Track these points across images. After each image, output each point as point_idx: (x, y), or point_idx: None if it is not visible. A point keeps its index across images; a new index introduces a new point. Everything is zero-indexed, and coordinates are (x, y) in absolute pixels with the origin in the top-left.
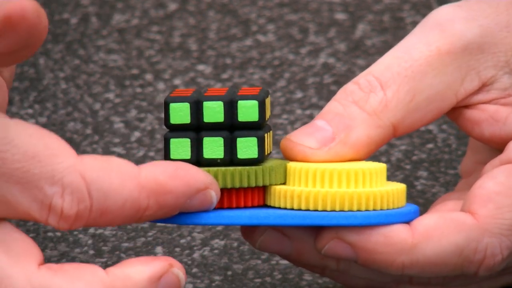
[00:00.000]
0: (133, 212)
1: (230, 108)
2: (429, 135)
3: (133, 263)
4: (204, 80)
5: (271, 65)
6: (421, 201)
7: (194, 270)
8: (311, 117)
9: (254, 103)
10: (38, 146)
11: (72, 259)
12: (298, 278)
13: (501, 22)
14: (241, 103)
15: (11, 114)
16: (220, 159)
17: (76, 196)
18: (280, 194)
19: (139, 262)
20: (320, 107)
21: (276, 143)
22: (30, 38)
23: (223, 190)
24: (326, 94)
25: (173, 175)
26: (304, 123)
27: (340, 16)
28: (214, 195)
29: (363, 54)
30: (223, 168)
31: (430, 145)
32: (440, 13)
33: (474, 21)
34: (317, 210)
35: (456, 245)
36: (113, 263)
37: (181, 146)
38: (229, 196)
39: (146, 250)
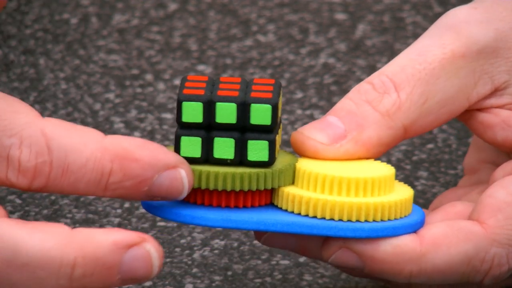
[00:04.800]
0: (96, 175)
1: (243, 110)
2: (429, 135)
3: (105, 228)
4: None
5: (271, 65)
6: (421, 201)
7: (194, 270)
8: (311, 117)
9: (268, 107)
10: (2, 104)
11: None
12: (298, 278)
13: None
14: (254, 107)
15: None
16: (230, 159)
17: (34, 149)
18: (288, 198)
19: (111, 228)
20: (320, 107)
21: None
22: None
23: (230, 192)
24: (326, 94)
25: (141, 145)
26: (304, 123)
27: (340, 16)
28: (185, 175)
29: (363, 54)
30: (232, 170)
31: (430, 145)
32: (455, 15)
33: (490, 24)
34: (324, 218)
35: (465, 254)
36: None
37: (191, 144)
38: (237, 197)
39: None
